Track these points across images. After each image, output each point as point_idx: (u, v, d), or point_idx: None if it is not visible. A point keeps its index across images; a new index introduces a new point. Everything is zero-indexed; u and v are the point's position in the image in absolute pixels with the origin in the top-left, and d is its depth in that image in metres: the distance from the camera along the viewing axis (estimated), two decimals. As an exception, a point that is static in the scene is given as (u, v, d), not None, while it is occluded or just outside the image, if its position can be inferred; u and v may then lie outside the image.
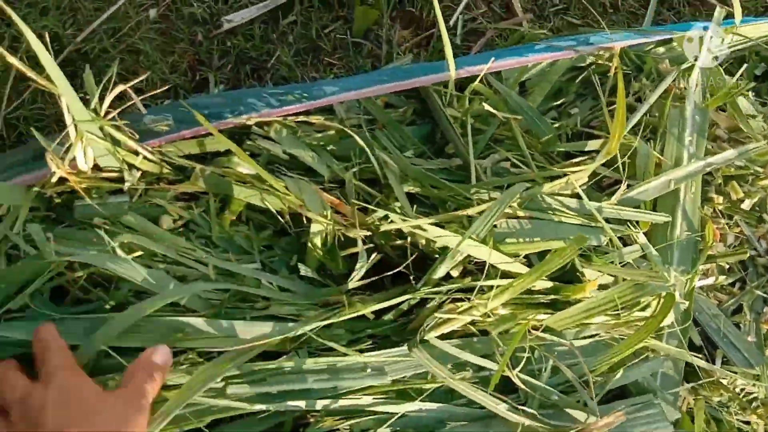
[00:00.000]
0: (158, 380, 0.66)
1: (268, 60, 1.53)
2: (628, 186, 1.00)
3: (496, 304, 0.81)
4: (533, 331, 0.86)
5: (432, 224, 0.84)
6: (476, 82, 1.02)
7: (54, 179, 0.83)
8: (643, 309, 0.90)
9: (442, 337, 0.83)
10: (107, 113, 0.82)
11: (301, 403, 0.75)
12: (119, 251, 0.79)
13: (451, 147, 1.01)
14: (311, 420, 0.78)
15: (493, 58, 0.99)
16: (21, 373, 0.63)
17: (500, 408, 0.79)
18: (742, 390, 1.03)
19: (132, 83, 0.81)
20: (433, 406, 0.80)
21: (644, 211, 0.97)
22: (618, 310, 0.87)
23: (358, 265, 0.84)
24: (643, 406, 0.89)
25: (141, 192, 0.88)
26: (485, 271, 0.83)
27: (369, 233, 0.88)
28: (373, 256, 0.86)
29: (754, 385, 1.01)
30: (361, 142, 0.92)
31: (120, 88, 0.81)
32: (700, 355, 0.97)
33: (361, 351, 0.81)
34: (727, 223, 1.09)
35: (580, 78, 1.19)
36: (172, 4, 1.55)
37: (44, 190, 0.83)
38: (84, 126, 0.80)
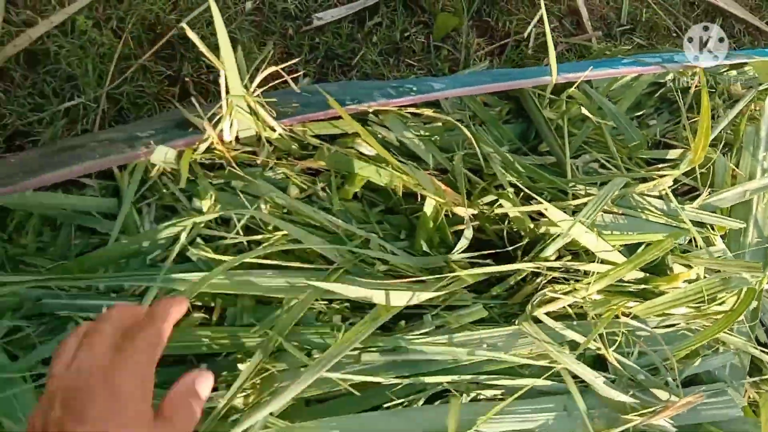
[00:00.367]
0: (200, 413, 0.58)
1: (353, 57, 1.62)
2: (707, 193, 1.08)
3: (597, 288, 0.89)
4: (623, 317, 0.93)
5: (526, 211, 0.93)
6: (572, 88, 1.10)
7: (203, 147, 0.92)
8: (720, 304, 0.97)
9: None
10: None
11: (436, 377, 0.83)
12: (263, 207, 0.89)
13: (544, 145, 1.09)
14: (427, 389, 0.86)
15: (591, 68, 1.07)
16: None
17: (598, 382, 0.87)
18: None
19: (283, 66, 0.90)
20: (545, 383, 0.87)
21: (722, 217, 1.05)
22: (701, 302, 0.94)
23: (463, 238, 0.92)
24: (715, 393, 0.97)
25: (272, 165, 0.98)
26: (576, 257, 0.92)
27: (474, 214, 0.96)
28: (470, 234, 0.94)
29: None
30: (469, 135, 1.01)
31: (271, 69, 0.90)
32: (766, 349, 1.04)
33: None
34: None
35: (659, 93, 1.27)
36: (266, -1, 1.65)
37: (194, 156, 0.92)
38: (236, 100, 0.89)
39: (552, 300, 0.89)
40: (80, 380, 0.51)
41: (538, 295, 0.89)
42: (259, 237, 0.91)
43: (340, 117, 0.97)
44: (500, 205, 0.94)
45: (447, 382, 0.86)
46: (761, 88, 1.20)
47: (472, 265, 0.93)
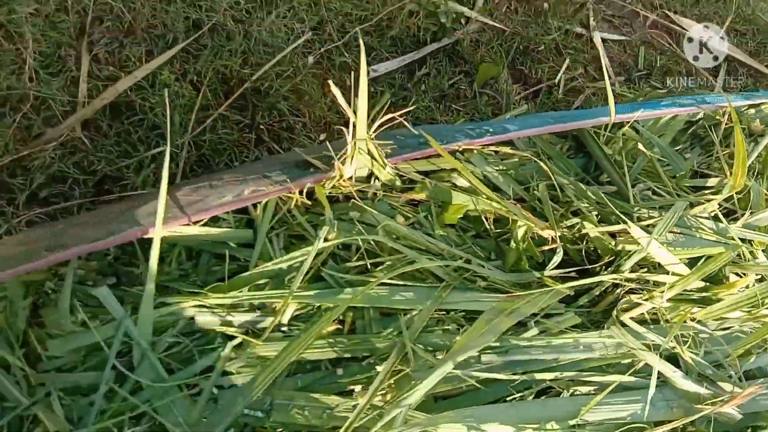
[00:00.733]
0: None
1: (405, 104, 1.80)
2: (744, 215, 1.25)
3: (669, 295, 1.05)
4: (690, 321, 1.09)
5: (610, 231, 1.09)
6: (626, 127, 1.28)
7: (329, 183, 1.07)
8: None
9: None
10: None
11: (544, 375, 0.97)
12: (380, 233, 1.04)
13: (605, 176, 1.26)
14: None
15: (642, 109, 1.26)
16: None
17: (676, 376, 1.02)
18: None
19: (402, 112, 1.06)
20: (630, 379, 1.02)
21: (763, 234, 1.21)
22: (753, 306, 1.10)
23: (555, 256, 1.07)
24: (769, 386, 1.12)
25: (380, 197, 1.13)
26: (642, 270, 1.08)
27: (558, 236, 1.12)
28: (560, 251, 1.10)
29: None
30: (546, 168, 1.18)
31: (390, 114, 1.07)
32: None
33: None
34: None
35: (691, 130, 1.46)
36: (325, 53, 1.84)
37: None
38: (360, 143, 1.05)
39: (634, 307, 1.04)
40: None
41: (622, 303, 1.05)
42: (379, 259, 1.06)
43: (435, 156, 1.13)
44: (583, 227, 1.09)
45: (550, 380, 1.00)
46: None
47: (562, 280, 1.09)
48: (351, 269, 1.07)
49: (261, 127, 1.71)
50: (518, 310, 1.00)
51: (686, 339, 1.08)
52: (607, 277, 1.04)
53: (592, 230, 1.09)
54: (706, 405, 1.04)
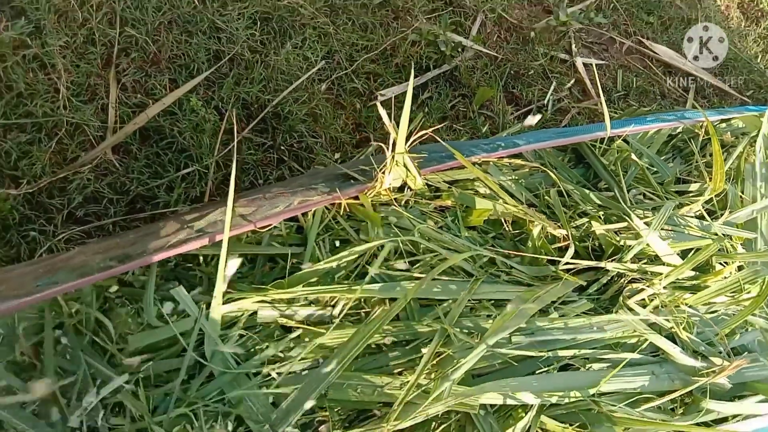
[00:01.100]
0: None
1: (413, 125, 1.97)
2: (723, 214, 1.44)
3: (666, 282, 1.22)
4: (683, 306, 1.26)
5: (613, 228, 1.26)
6: (619, 140, 1.46)
7: (372, 192, 1.22)
8: (748, 293, 1.31)
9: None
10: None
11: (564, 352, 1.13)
12: (418, 234, 1.19)
13: (603, 183, 1.44)
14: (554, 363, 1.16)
15: (633, 124, 1.44)
16: None
17: (676, 351, 1.18)
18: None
19: (433, 129, 1.22)
20: (637, 356, 1.18)
21: (741, 230, 1.40)
22: (736, 291, 1.28)
23: (568, 252, 1.24)
24: (752, 360, 1.29)
25: (411, 204, 1.28)
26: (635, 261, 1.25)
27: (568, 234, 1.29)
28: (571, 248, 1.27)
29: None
30: (555, 177, 1.35)
31: (421, 133, 1.22)
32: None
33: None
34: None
35: (671, 142, 1.65)
36: (337, 80, 2.00)
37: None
38: (398, 157, 1.20)
39: (637, 293, 1.21)
40: None
41: (626, 291, 1.21)
42: (416, 258, 1.21)
43: (459, 167, 1.29)
44: (590, 225, 1.26)
45: (569, 357, 1.16)
46: (752, 134, 1.58)
47: (573, 273, 1.25)
48: (391, 267, 1.21)
49: (282, 148, 1.85)
50: (540, 298, 1.16)
51: (681, 321, 1.24)
52: (612, 266, 1.21)
53: (598, 228, 1.26)
54: (701, 377, 1.21)
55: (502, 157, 1.39)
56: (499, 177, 1.37)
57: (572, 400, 1.13)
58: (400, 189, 1.30)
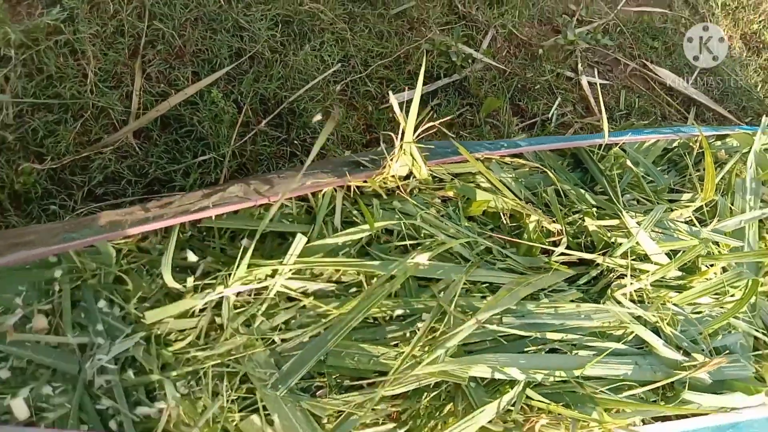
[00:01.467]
0: None
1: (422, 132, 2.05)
2: (712, 222, 1.51)
3: (653, 279, 1.29)
4: (669, 304, 1.32)
5: (605, 225, 1.33)
6: (616, 148, 1.54)
7: (379, 178, 1.30)
8: (732, 296, 1.38)
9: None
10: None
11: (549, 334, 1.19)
12: (420, 218, 1.26)
13: (599, 187, 1.51)
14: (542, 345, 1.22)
15: (630, 133, 1.52)
16: None
17: (659, 344, 1.24)
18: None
19: (441, 120, 1.30)
20: (622, 346, 1.24)
21: (729, 238, 1.47)
22: (720, 293, 1.34)
23: (560, 245, 1.31)
24: (733, 360, 1.35)
25: (416, 193, 1.36)
26: (625, 259, 1.32)
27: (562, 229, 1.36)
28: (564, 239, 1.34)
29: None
30: (553, 176, 1.42)
31: (429, 124, 1.31)
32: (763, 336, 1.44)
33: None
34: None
35: (667, 156, 1.73)
36: (351, 83, 2.09)
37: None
38: (406, 146, 1.29)
39: (624, 286, 1.28)
40: None
41: (615, 285, 1.28)
42: (417, 241, 1.28)
43: (463, 161, 1.37)
44: (583, 221, 1.33)
45: (557, 340, 1.22)
46: (744, 151, 1.66)
47: (565, 265, 1.32)
48: (391, 249, 1.29)
49: (295, 142, 1.94)
50: (532, 284, 1.23)
51: (665, 317, 1.31)
52: (601, 258, 1.28)
53: (591, 224, 1.33)
54: (683, 370, 1.27)
55: (504, 156, 1.47)
56: (500, 173, 1.45)
57: (558, 379, 1.19)
58: (406, 178, 1.38)
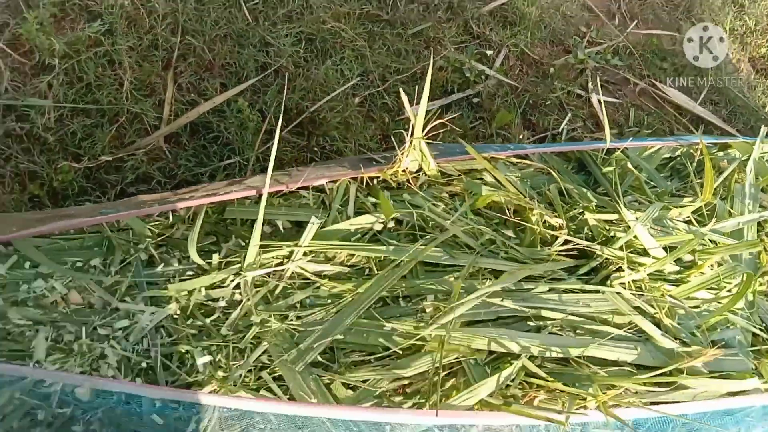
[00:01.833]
0: None
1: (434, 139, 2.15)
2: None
3: (651, 270, 1.35)
4: (667, 297, 1.38)
5: (607, 220, 1.40)
6: (618, 152, 1.62)
7: (390, 171, 1.39)
8: (728, 291, 1.43)
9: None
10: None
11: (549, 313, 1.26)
12: (428, 209, 1.35)
13: (602, 189, 1.59)
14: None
15: (631, 138, 1.60)
16: None
17: (657, 333, 1.30)
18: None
19: (449, 117, 1.39)
20: (621, 332, 1.30)
21: (727, 238, 1.53)
22: (716, 288, 1.40)
23: (561, 237, 1.38)
24: (731, 354, 1.40)
25: (425, 187, 1.45)
26: (620, 252, 1.38)
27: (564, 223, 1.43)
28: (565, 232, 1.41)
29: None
30: (557, 176, 1.50)
31: (438, 121, 1.40)
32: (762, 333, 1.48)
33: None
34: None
35: (670, 164, 1.80)
36: (369, 96, 2.21)
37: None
38: (416, 142, 1.38)
39: (622, 278, 1.34)
40: None
41: (614, 276, 1.35)
42: (425, 232, 1.36)
43: (471, 159, 1.46)
44: (583, 215, 1.41)
45: (558, 319, 1.29)
46: (743, 158, 1.73)
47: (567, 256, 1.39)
48: (401, 237, 1.37)
49: (315, 149, 2.05)
50: (533, 268, 1.30)
51: (663, 307, 1.37)
52: (600, 251, 1.35)
53: (591, 218, 1.40)
54: (679, 360, 1.32)
55: (511, 157, 1.56)
56: (506, 172, 1.53)
57: (557, 355, 1.25)
58: (416, 174, 1.47)
